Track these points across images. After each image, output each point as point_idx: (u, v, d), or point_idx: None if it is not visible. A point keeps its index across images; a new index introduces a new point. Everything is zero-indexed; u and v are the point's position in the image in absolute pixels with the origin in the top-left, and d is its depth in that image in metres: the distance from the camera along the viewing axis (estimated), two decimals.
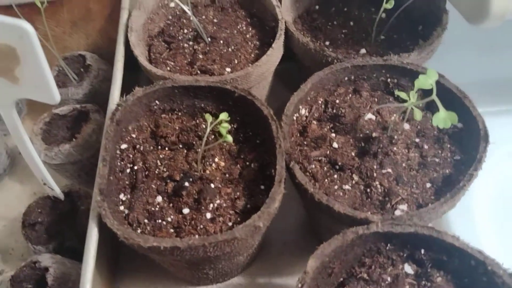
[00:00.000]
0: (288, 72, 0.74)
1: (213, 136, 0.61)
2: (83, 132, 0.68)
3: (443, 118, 0.46)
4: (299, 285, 0.43)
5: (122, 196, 0.56)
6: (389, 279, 0.47)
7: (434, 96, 0.46)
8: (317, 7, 0.77)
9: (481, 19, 0.55)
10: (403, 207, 0.52)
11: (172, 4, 0.76)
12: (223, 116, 0.55)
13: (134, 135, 0.61)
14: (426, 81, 0.47)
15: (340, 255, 0.47)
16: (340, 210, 0.49)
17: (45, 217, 0.63)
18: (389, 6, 0.60)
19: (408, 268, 0.48)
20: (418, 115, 0.52)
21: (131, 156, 0.59)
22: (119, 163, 0.58)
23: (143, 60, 0.65)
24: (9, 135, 0.81)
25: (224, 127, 0.51)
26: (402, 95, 0.52)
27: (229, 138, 0.51)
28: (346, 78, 0.63)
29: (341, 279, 0.49)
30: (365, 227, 0.46)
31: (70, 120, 0.73)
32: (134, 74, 0.73)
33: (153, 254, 0.51)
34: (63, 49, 0.79)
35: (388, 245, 0.48)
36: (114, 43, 0.80)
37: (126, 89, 0.63)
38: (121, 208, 0.55)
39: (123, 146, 0.59)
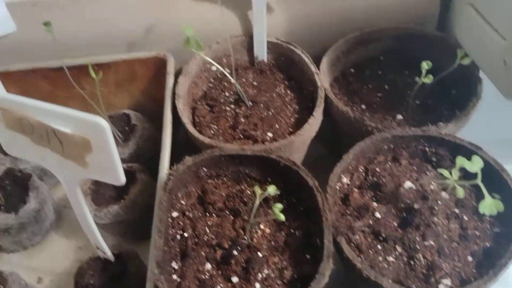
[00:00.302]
0: (323, 128, 0.77)
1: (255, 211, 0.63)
2: (130, 193, 0.72)
3: (489, 205, 0.49)
4: None
5: (174, 264, 0.59)
6: None
7: (479, 182, 0.49)
8: (352, 70, 0.80)
9: None
10: (447, 281, 0.54)
11: (213, 68, 0.79)
12: (271, 189, 0.57)
13: (183, 202, 0.64)
14: (471, 167, 0.50)
15: None
16: (388, 287, 0.51)
17: (97, 279, 0.65)
18: (427, 80, 0.63)
19: None
20: (461, 193, 0.54)
21: (181, 223, 0.62)
22: (170, 231, 0.61)
23: (190, 127, 0.68)
24: (55, 188, 0.85)
25: (278, 207, 0.54)
26: (444, 172, 0.55)
27: (282, 217, 0.54)
28: (385, 147, 0.66)
29: None
30: None
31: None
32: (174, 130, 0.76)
33: None
34: (107, 107, 0.82)
35: None
36: (156, 102, 0.85)
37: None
38: (174, 277, 0.58)
39: (174, 214, 0.62)
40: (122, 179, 0.50)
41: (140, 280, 0.67)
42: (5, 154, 0.79)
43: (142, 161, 0.77)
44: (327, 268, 0.53)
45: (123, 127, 0.81)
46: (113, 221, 0.71)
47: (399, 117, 0.71)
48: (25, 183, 0.75)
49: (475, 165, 0.50)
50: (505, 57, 0.61)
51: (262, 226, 0.62)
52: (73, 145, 0.47)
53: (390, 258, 0.57)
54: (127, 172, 0.76)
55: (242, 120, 0.73)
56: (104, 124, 0.45)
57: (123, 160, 0.78)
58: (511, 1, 0.60)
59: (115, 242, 0.75)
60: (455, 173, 0.55)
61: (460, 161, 0.54)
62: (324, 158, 0.79)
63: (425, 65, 0.64)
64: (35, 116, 0.47)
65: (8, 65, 0.79)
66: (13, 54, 0.79)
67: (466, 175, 0.59)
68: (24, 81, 0.81)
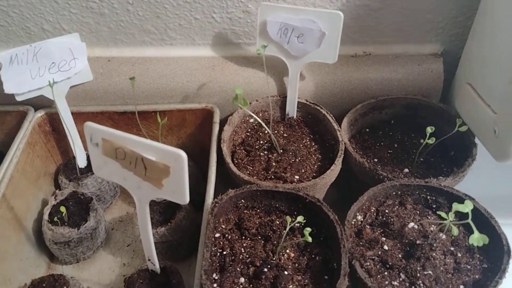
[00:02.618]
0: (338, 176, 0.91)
1: (284, 231, 0.76)
2: (176, 218, 0.84)
3: (477, 239, 0.61)
4: None
5: (215, 276, 0.71)
6: None
7: (470, 221, 0.62)
8: (367, 130, 0.95)
9: (504, 159, 0.72)
10: None
11: (251, 120, 0.95)
12: (300, 218, 0.71)
13: (223, 226, 0.77)
14: (463, 209, 0.63)
15: None
16: None
17: (145, 287, 0.77)
18: (430, 142, 0.78)
19: None
20: (455, 231, 0.67)
21: (221, 243, 0.75)
22: (213, 249, 0.73)
23: (232, 166, 0.82)
24: (106, 212, 0.98)
25: (307, 230, 0.67)
26: (442, 214, 0.68)
27: (310, 239, 0.67)
28: (394, 193, 0.79)
29: None
30: None
31: (163, 206, 0.89)
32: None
33: None
34: None
35: None
36: (199, 145, 0.99)
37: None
38: (214, 285, 0.69)
39: (217, 235, 0.75)
40: (187, 200, 0.63)
41: None
42: (70, 180, 0.93)
43: None
44: (343, 284, 0.65)
45: None
46: (159, 241, 0.84)
47: (406, 170, 0.85)
48: (86, 205, 0.89)
49: (467, 207, 0.63)
50: (495, 127, 0.75)
51: (288, 251, 0.74)
52: (156, 170, 0.61)
53: (395, 283, 0.69)
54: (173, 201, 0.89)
55: (274, 164, 0.87)
56: (183, 155, 0.59)
57: None
58: (501, 84, 0.75)
59: (159, 259, 0.87)
60: (451, 216, 0.68)
61: (455, 205, 0.67)
62: (337, 200, 0.92)
63: (429, 129, 0.79)
64: (129, 146, 0.61)
65: (81, 106, 0.95)
66: (87, 98, 0.95)
67: (460, 218, 0.72)
68: (92, 121, 0.95)
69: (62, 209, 0.84)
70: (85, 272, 0.89)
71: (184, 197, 0.62)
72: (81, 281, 0.85)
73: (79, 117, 0.95)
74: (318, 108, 0.92)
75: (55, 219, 0.84)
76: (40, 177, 0.94)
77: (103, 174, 0.68)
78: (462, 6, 0.91)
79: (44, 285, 0.78)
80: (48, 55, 0.87)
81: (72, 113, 0.92)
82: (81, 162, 0.96)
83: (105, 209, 0.98)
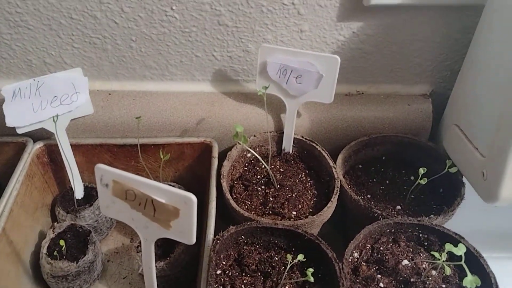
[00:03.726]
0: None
1: (283, 267, 0.78)
2: (175, 253, 0.86)
3: (470, 281, 0.65)
4: None
5: None
6: None
7: (463, 264, 0.66)
8: (360, 166, 0.99)
9: (492, 201, 0.76)
10: None
11: (249, 155, 0.98)
12: (300, 257, 0.73)
13: (224, 262, 0.79)
14: (457, 252, 0.66)
15: None
16: None
17: None
18: (423, 182, 0.82)
19: None
20: (448, 271, 0.70)
21: (222, 280, 0.77)
22: (214, 285, 0.75)
23: (233, 203, 0.84)
24: (103, 242, 0.99)
25: (310, 271, 0.69)
26: (436, 255, 0.71)
27: (312, 279, 0.69)
28: (388, 230, 0.82)
29: None
30: None
31: (161, 239, 0.90)
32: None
33: None
34: (154, 178, 0.99)
35: None
36: (195, 177, 1.01)
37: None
38: None
39: (218, 271, 0.77)
40: (194, 240, 0.64)
41: None
42: (67, 212, 0.94)
43: None
44: None
45: None
46: (157, 276, 0.84)
47: (398, 207, 0.89)
48: (84, 238, 0.89)
49: (460, 250, 0.67)
50: (483, 170, 0.79)
51: (287, 287, 0.76)
52: (165, 212, 0.62)
53: None
54: None
55: (271, 199, 0.90)
56: (194, 198, 0.61)
57: None
58: (489, 129, 0.79)
59: None
60: (444, 256, 0.71)
61: (449, 247, 0.71)
62: (330, 233, 0.94)
63: (422, 171, 0.83)
64: (140, 188, 0.63)
65: (81, 139, 0.96)
66: (86, 130, 0.96)
67: (451, 257, 0.76)
68: (91, 153, 0.97)
69: (62, 242, 0.85)
70: None
71: (191, 238, 0.64)
72: None
73: (78, 149, 0.96)
74: (314, 144, 0.96)
75: (54, 253, 0.85)
76: (38, 209, 0.94)
77: (111, 213, 0.69)
78: (450, 51, 0.96)
79: None
80: (50, 90, 0.89)
81: (71, 145, 0.93)
82: (79, 194, 0.97)
83: (101, 240, 0.99)
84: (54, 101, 0.90)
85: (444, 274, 0.77)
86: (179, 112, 0.97)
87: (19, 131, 0.89)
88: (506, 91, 0.74)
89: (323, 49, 0.95)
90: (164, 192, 0.62)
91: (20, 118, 0.88)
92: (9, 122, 0.87)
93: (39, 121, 0.89)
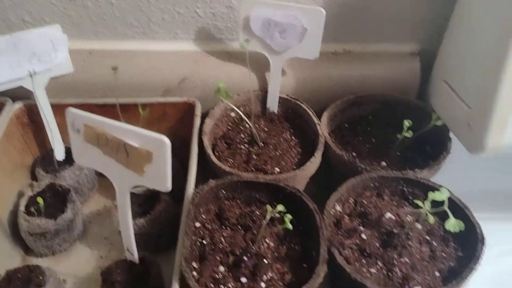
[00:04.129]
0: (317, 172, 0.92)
1: (263, 221, 0.76)
2: (155, 210, 0.84)
3: (453, 224, 0.63)
4: None
5: (194, 264, 0.71)
6: None
7: (446, 208, 0.64)
8: (346, 125, 0.97)
9: (478, 151, 0.74)
10: None
11: (233, 114, 0.96)
12: (280, 207, 0.71)
13: (204, 216, 0.77)
14: (440, 196, 0.65)
15: None
16: (371, 286, 0.64)
17: (123, 278, 0.76)
18: (408, 135, 0.80)
19: None
20: (431, 219, 0.68)
21: (201, 232, 0.75)
22: (193, 238, 0.73)
23: (214, 158, 0.83)
24: (83, 206, 0.97)
25: (288, 217, 0.67)
26: (419, 203, 0.69)
27: (290, 226, 0.67)
28: (372, 185, 0.81)
29: None
30: None
31: (143, 198, 0.89)
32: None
33: None
34: None
35: None
36: (179, 138, 0.98)
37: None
38: (194, 273, 0.69)
39: (197, 224, 0.75)
40: (169, 187, 0.62)
41: (159, 282, 0.78)
42: (47, 172, 0.92)
43: None
44: (321, 270, 0.66)
45: None
46: (138, 233, 0.83)
47: (383, 163, 0.87)
48: (64, 197, 0.87)
49: (443, 194, 0.65)
50: (469, 121, 0.78)
51: (267, 240, 0.74)
52: (138, 156, 0.60)
53: (373, 270, 0.70)
54: (153, 193, 0.89)
55: (254, 157, 0.88)
56: (167, 141, 0.59)
57: None
58: (475, 80, 0.78)
59: (138, 251, 0.86)
60: (427, 204, 0.69)
61: (431, 194, 0.69)
62: (316, 194, 0.92)
63: (406, 123, 0.81)
64: (111, 132, 0.61)
65: (61, 98, 0.94)
66: (67, 90, 0.94)
67: (436, 208, 0.74)
68: None
69: (39, 200, 0.83)
70: (61, 264, 0.87)
71: (166, 184, 0.62)
72: (57, 273, 0.84)
73: (59, 109, 0.93)
74: (299, 103, 0.94)
75: (32, 210, 0.83)
76: (17, 170, 0.92)
77: (84, 162, 0.67)
78: (438, 7, 0.94)
79: (19, 275, 0.76)
80: (28, 46, 0.87)
81: (51, 105, 0.91)
82: (59, 155, 0.95)
83: (83, 202, 0.97)
84: (33, 58, 0.88)
85: (428, 226, 0.76)
86: (161, 72, 0.95)
87: None
88: (491, 44, 0.73)
89: (309, 4, 0.93)
90: (136, 135, 0.60)
91: None
92: None
93: (17, 79, 0.87)
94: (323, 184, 0.93)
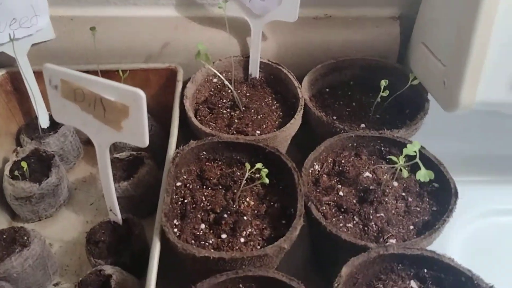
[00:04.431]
0: (300, 137, 0.93)
1: (244, 182, 0.78)
2: (139, 173, 0.85)
3: (424, 174, 0.65)
4: (336, 285, 0.58)
5: (175, 221, 0.72)
6: None
7: (417, 159, 0.65)
8: (327, 89, 0.98)
9: (452, 108, 0.76)
10: (392, 241, 0.68)
11: (215, 80, 0.96)
12: (259, 165, 0.73)
13: (185, 176, 0.78)
14: (411, 148, 0.66)
15: (363, 269, 0.63)
16: (346, 238, 0.66)
17: (107, 237, 0.78)
18: (384, 94, 0.82)
19: (414, 284, 0.64)
20: (405, 173, 0.70)
21: (182, 192, 0.76)
22: (174, 197, 0.75)
23: (194, 120, 0.84)
24: (68, 173, 0.98)
25: (264, 171, 0.69)
26: (394, 158, 0.71)
27: (266, 180, 0.69)
28: (350, 145, 0.82)
29: None
30: (384, 248, 0.62)
31: (127, 163, 0.90)
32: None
33: (197, 264, 0.66)
34: None
35: (400, 265, 0.64)
36: (162, 105, 1.00)
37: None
38: (175, 230, 0.71)
39: (178, 183, 0.77)
40: (146, 142, 0.63)
41: (143, 242, 0.80)
42: (32, 139, 0.93)
43: (148, 150, 0.92)
44: (298, 224, 0.68)
45: None
46: (121, 196, 0.84)
47: (363, 125, 0.88)
48: (48, 162, 0.88)
49: (414, 146, 0.67)
50: (444, 79, 0.79)
51: (248, 199, 0.76)
52: (114, 110, 0.61)
53: (349, 225, 0.72)
54: (136, 158, 0.90)
55: (236, 121, 0.89)
56: (142, 94, 0.60)
57: (133, 149, 0.93)
58: (450, 39, 0.79)
59: (121, 214, 0.88)
60: (402, 159, 0.71)
61: (406, 150, 0.70)
62: (298, 159, 0.95)
63: (383, 82, 0.83)
64: (88, 87, 0.62)
65: (43, 65, 0.94)
66: (48, 57, 0.94)
67: (412, 168, 0.75)
68: None
69: (24, 164, 0.84)
70: (47, 229, 0.88)
71: (143, 139, 0.63)
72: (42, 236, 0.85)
73: (41, 76, 0.93)
74: (280, 67, 0.95)
75: (16, 174, 0.84)
76: (1, 136, 0.93)
77: (63, 119, 0.68)
78: None
79: (4, 236, 0.77)
80: (8, 11, 0.86)
81: (34, 73, 0.91)
82: (44, 122, 0.95)
83: (68, 170, 0.98)
84: (13, 23, 0.88)
85: (404, 184, 0.77)
86: (142, 38, 0.95)
87: None
88: (463, 5, 0.74)
89: None
90: (111, 89, 0.61)
91: None
92: None
93: None
94: (305, 148, 0.95)
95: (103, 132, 0.65)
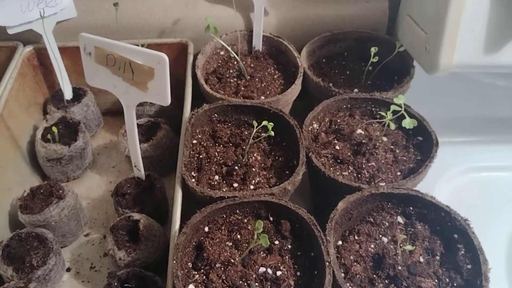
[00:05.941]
0: (299, 106, 1.03)
1: (252, 139, 0.88)
2: (157, 136, 0.96)
3: (408, 122, 0.76)
4: (332, 216, 0.69)
5: (193, 173, 0.83)
6: (387, 224, 0.74)
7: (402, 110, 0.76)
8: (324, 60, 1.09)
9: (433, 71, 0.86)
10: (383, 183, 0.79)
11: (222, 52, 1.06)
12: (265, 122, 0.83)
13: (200, 136, 0.89)
14: (397, 101, 0.77)
15: (357, 206, 0.74)
16: (342, 181, 0.76)
17: (132, 190, 0.88)
18: (374, 60, 0.92)
19: (400, 219, 0.75)
20: (392, 126, 0.81)
21: (198, 148, 0.87)
22: (191, 152, 0.85)
23: (207, 87, 0.94)
24: (93, 139, 1.09)
25: (270, 125, 0.80)
26: (382, 113, 0.82)
27: (272, 133, 0.80)
28: (344, 106, 0.93)
29: (357, 223, 0.75)
30: (375, 188, 0.73)
31: (145, 128, 1.00)
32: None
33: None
34: None
35: (389, 203, 0.75)
36: (174, 77, 1.09)
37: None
38: (192, 180, 0.81)
39: (194, 141, 0.87)
40: (169, 101, 0.73)
41: (163, 194, 0.91)
42: (58, 108, 1.03)
43: (165, 118, 1.02)
44: (301, 170, 0.78)
45: None
46: (142, 156, 0.94)
47: (356, 90, 0.99)
48: (75, 128, 0.99)
49: (399, 99, 0.78)
50: (426, 45, 0.89)
51: (255, 154, 0.87)
52: (142, 73, 0.71)
53: (345, 173, 0.82)
54: (154, 123, 1.01)
55: (242, 88, 0.99)
56: (165, 57, 0.69)
57: (151, 116, 1.03)
58: (431, 9, 0.89)
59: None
60: (389, 114, 0.82)
61: (393, 106, 0.81)
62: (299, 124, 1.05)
63: (373, 50, 0.93)
64: (119, 52, 0.72)
65: (66, 42, 1.04)
66: (71, 33, 1.03)
67: (398, 118, 0.86)
68: (77, 55, 1.03)
69: (54, 129, 0.94)
70: (75, 189, 0.97)
71: (166, 98, 0.73)
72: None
73: (65, 52, 1.04)
74: (281, 40, 1.05)
75: (48, 137, 0.94)
76: (31, 106, 1.03)
77: (95, 82, 0.78)
78: None
79: (42, 191, 0.88)
80: None
81: (58, 48, 1.01)
82: (68, 94, 1.05)
83: (91, 137, 1.08)
84: (41, 3, 0.97)
85: (393, 139, 0.88)
86: (156, 14, 1.05)
87: (9, 31, 0.96)
88: None
89: None
90: (139, 53, 0.71)
91: (10, 18, 0.95)
92: (1, 21, 0.94)
93: (28, 22, 0.97)
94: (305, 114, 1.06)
95: (131, 93, 0.75)
